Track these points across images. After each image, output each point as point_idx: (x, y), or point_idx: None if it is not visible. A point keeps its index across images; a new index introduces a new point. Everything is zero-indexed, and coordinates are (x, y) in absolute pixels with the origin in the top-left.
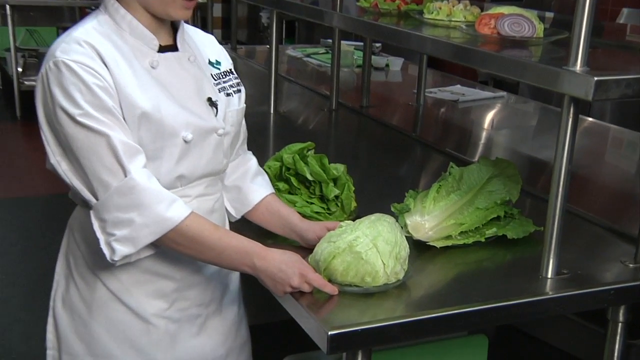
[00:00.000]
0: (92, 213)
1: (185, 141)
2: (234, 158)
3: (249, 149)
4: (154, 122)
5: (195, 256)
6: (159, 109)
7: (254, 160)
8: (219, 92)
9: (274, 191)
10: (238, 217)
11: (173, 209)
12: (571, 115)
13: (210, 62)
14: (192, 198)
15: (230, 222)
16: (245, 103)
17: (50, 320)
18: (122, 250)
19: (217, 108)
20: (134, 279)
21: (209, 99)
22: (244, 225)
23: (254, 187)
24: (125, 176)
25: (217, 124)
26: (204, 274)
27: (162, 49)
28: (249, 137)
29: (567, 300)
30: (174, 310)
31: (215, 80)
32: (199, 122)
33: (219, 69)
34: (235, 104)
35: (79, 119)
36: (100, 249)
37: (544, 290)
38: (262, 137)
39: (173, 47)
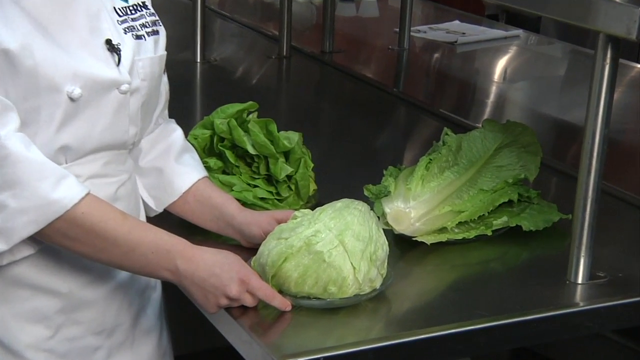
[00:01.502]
0: None
1: (72, 99)
2: (153, 129)
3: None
4: (25, 71)
5: (94, 256)
6: (32, 53)
7: (179, 132)
8: (125, 32)
9: (206, 174)
10: (160, 209)
11: (63, 189)
12: (608, 60)
13: None
14: (83, 179)
15: (147, 216)
16: (166, 50)
17: None
18: None
19: (119, 54)
20: None
21: (108, 42)
22: (162, 216)
23: (181, 169)
24: None
25: (120, 77)
26: (105, 286)
27: None
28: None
29: (604, 313)
30: (59, 340)
31: (120, 16)
32: (91, 73)
33: (125, 0)
34: (149, 50)
35: None
36: None
37: (572, 300)
38: (184, 95)
39: None
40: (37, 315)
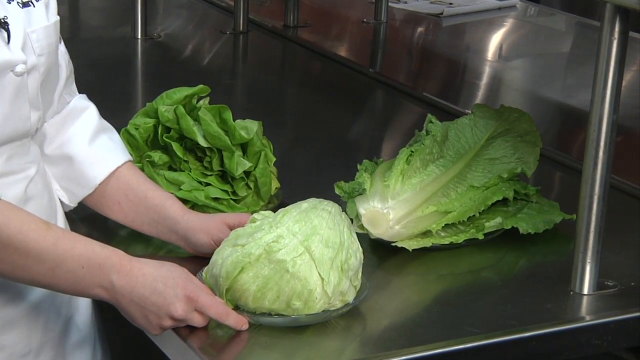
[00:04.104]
0: None
1: None
2: (58, 109)
3: (90, 97)
4: None
5: (13, 274)
6: None
7: (91, 110)
8: (8, 1)
9: (130, 158)
10: (73, 204)
11: None
12: (616, 34)
13: None
14: None
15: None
16: (59, 14)
17: None
18: None
19: (8, 30)
20: None
21: None
22: (94, 218)
23: (96, 154)
24: None
25: (12, 57)
26: (28, 301)
27: None
28: (98, 79)
29: (614, 328)
30: None
31: None
32: None
33: None
34: (41, 18)
35: None
36: None
37: (577, 313)
38: (123, 78)
39: None
40: None
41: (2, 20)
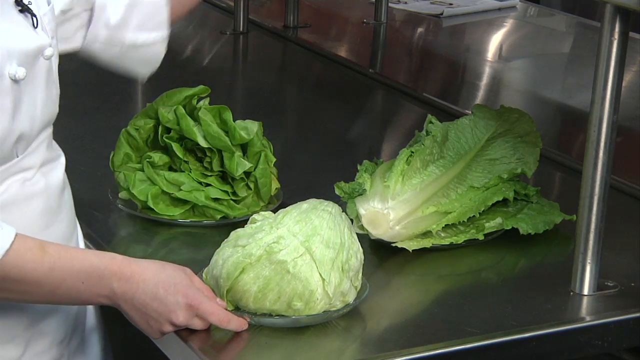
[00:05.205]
0: None
1: (15, 80)
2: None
3: (91, 97)
4: None
5: (13, 300)
6: None
7: None
8: None
9: None
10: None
11: None
12: (616, 34)
13: None
14: (35, 171)
15: None
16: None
17: None
18: None
19: (34, 14)
20: None
21: (18, 2)
22: (86, 219)
23: None
24: None
25: (43, 41)
26: None
27: None
28: (98, 79)
29: (614, 329)
30: (30, 356)
31: None
32: (21, 45)
33: None
34: (44, 3)
35: None
36: None
37: (577, 314)
38: (122, 78)
39: None
40: (6, 336)
41: (28, 4)
